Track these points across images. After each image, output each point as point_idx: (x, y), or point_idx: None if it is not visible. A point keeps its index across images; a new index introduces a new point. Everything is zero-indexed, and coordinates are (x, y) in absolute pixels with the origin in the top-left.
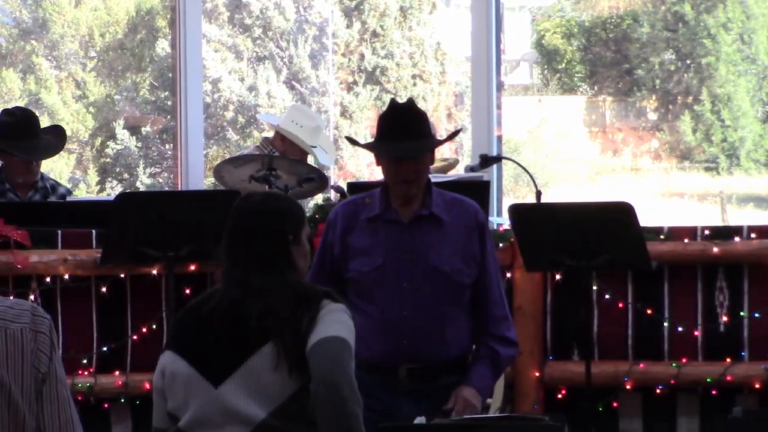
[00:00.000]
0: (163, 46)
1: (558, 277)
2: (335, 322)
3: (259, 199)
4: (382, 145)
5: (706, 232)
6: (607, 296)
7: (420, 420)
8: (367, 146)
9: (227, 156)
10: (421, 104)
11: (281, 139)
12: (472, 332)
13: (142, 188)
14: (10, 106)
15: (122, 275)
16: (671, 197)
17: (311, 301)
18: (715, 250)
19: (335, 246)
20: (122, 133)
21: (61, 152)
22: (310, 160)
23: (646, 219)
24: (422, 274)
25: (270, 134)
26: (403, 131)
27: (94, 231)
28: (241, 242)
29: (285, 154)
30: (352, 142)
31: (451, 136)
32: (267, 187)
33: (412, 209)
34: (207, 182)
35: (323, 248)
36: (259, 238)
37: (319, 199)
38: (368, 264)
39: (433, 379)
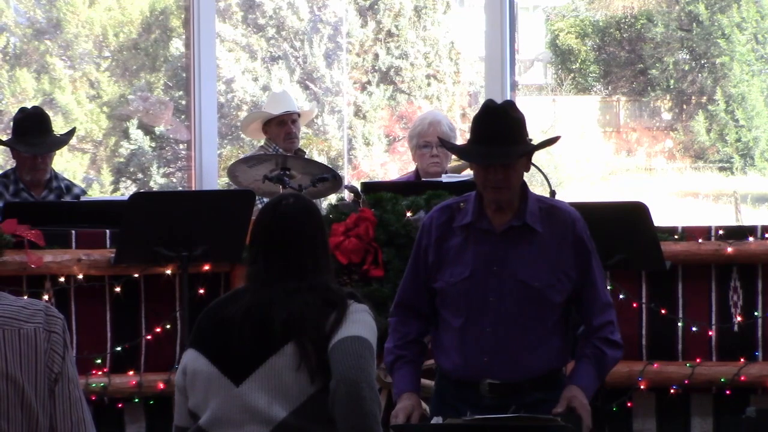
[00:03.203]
0: (177, 46)
1: None
2: (357, 323)
3: (294, 202)
4: (472, 149)
5: (720, 232)
6: (621, 296)
7: (437, 420)
8: (457, 149)
9: (241, 156)
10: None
11: (273, 127)
12: (564, 351)
13: (155, 188)
14: (24, 105)
15: (136, 275)
16: (685, 197)
17: (337, 303)
18: (729, 250)
19: (429, 254)
20: (136, 133)
21: (75, 152)
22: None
23: (660, 219)
24: (510, 288)
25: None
26: (494, 135)
27: (108, 231)
28: (276, 245)
29: (280, 139)
30: (444, 143)
31: (549, 142)
32: (281, 186)
33: (505, 218)
34: (221, 182)
35: (417, 256)
36: (296, 240)
37: (332, 198)
38: (456, 275)
39: (515, 395)
